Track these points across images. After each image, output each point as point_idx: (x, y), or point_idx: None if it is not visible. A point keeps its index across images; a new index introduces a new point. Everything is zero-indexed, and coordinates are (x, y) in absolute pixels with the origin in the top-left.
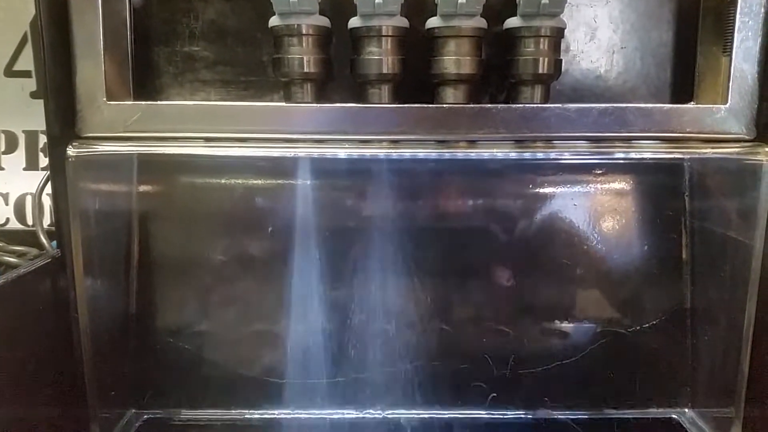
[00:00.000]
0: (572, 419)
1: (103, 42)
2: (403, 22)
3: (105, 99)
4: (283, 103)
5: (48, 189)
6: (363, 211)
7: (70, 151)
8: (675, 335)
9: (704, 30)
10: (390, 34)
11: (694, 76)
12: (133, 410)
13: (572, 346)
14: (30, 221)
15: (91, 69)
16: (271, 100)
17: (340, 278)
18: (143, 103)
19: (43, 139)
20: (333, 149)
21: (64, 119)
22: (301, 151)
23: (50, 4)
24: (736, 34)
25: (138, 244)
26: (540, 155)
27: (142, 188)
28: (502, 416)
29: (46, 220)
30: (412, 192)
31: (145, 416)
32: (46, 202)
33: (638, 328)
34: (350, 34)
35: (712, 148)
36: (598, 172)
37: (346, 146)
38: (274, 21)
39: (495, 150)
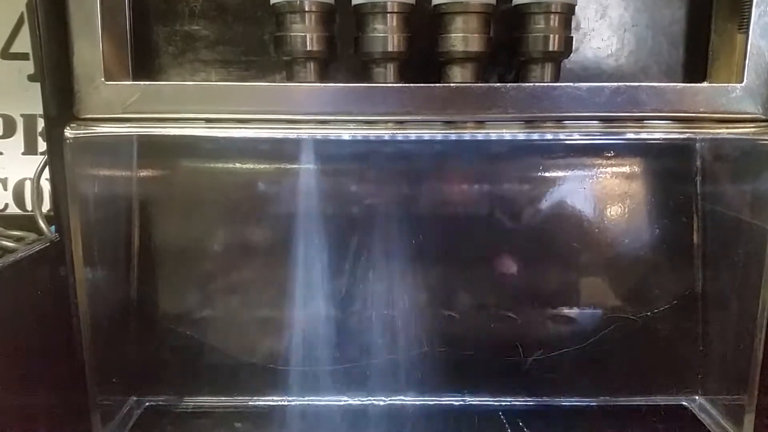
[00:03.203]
0: (581, 406)
1: (101, 20)
2: None
3: (103, 79)
4: (286, 83)
5: (47, 173)
6: (366, 195)
7: (68, 132)
8: (686, 321)
9: (719, 6)
10: (395, 10)
11: (707, 54)
12: (135, 398)
13: (581, 332)
14: (29, 206)
15: (89, 48)
16: (273, 80)
17: (344, 264)
18: (142, 83)
19: (41, 123)
20: (337, 130)
21: (61, 100)
22: (305, 133)
23: None
24: (753, 9)
25: (139, 228)
26: (550, 136)
27: (143, 172)
28: (509, 403)
29: (46, 206)
30: (418, 175)
31: (147, 404)
32: (46, 186)
33: (648, 313)
34: (354, 10)
35: (727, 128)
36: (609, 154)
37: (351, 127)
38: None
39: (504, 130)
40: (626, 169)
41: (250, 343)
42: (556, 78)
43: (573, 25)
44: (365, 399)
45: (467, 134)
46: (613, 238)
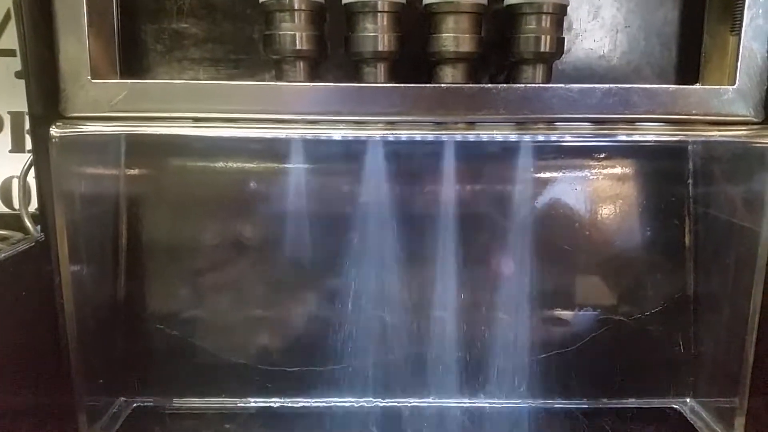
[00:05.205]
0: (572, 409)
1: (88, 17)
2: None
3: (89, 77)
4: (275, 83)
5: (34, 172)
6: (355, 195)
7: (54, 131)
8: (677, 323)
9: (711, 8)
10: (386, 9)
11: (700, 56)
12: (123, 399)
13: (572, 334)
14: (17, 205)
15: (75, 46)
16: (262, 80)
17: (334, 264)
18: (129, 81)
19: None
20: (326, 130)
21: (47, 98)
22: (294, 133)
23: None
24: (746, 12)
25: (126, 228)
26: (541, 137)
27: (130, 171)
28: (500, 405)
29: (34, 204)
30: (408, 175)
31: (135, 405)
32: (33, 185)
33: (640, 315)
34: (345, 9)
35: (719, 130)
36: (601, 156)
37: (341, 127)
38: None
39: (495, 132)
40: (618, 171)
41: (240, 344)
42: (548, 79)
43: (565, 25)
44: (356, 400)
45: (458, 135)
46: (605, 240)
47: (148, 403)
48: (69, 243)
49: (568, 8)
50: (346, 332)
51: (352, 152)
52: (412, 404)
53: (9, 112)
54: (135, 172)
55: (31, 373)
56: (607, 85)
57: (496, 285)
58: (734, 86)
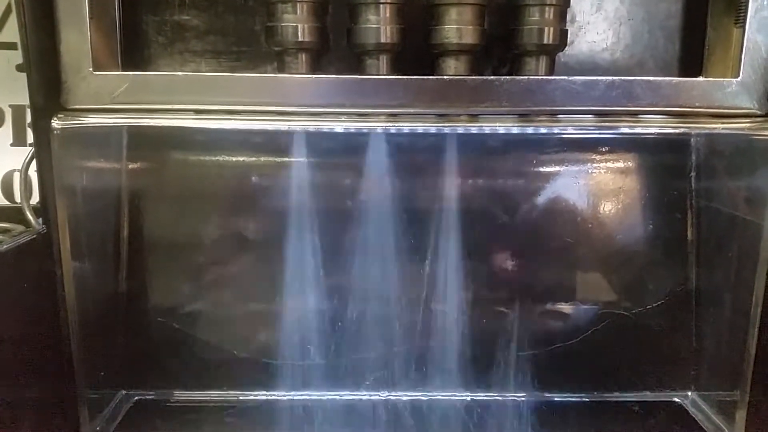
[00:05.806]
0: (573, 402)
1: (89, 9)
2: None
3: (91, 69)
4: (277, 74)
5: (35, 165)
6: (358, 189)
7: (55, 123)
8: (679, 317)
9: (715, 0)
10: (389, 1)
11: (703, 48)
12: (124, 391)
13: (573, 328)
14: (18, 198)
15: (77, 37)
16: (264, 72)
17: (336, 258)
18: (131, 73)
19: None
20: (329, 123)
21: (48, 91)
22: (296, 125)
23: None
24: (750, 4)
25: (128, 221)
26: (544, 130)
27: (132, 163)
28: (501, 399)
29: (36, 198)
30: (410, 169)
31: (136, 398)
32: (35, 178)
33: (641, 309)
34: (347, 1)
35: (722, 123)
36: (603, 149)
37: (343, 119)
38: None
39: (497, 124)
40: (620, 164)
41: (241, 337)
42: (551, 71)
43: (568, 17)
44: (356, 394)
45: (461, 127)
46: (607, 233)
47: (150, 396)
48: (70, 236)
49: (571, 0)
50: (348, 326)
51: (354, 144)
52: (413, 397)
53: (10, 106)
54: (137, 164)
55: (33, 365)
56: (610, 78)
57: (497, 278)
58: (738, 79)
